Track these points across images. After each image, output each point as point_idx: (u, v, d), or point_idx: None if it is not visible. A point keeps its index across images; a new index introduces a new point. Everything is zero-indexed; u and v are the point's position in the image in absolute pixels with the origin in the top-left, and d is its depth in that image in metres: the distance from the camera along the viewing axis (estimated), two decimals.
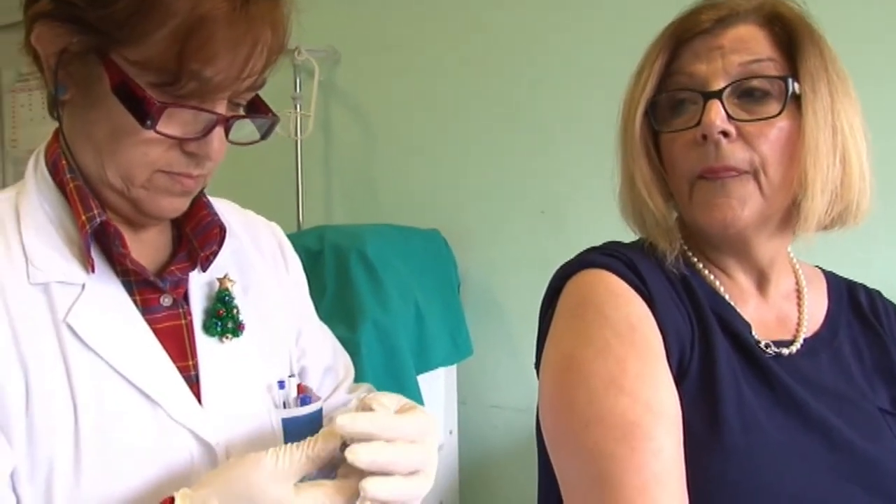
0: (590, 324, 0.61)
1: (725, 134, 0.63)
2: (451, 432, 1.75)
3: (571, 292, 0.66)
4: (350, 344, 0.92)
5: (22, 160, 2.31)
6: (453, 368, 1.75)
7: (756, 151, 0.64)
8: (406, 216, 1.84)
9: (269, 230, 0.82)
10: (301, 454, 0.52)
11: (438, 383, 1.70)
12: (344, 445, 0.52)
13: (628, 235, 0.74)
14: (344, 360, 0.85)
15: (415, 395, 1.56)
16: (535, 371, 0.69)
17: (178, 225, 0.72)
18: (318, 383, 0.80)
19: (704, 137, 0.63)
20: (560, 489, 0.60)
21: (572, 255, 0.67)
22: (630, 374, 0.58)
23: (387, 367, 1.49)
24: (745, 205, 0.64)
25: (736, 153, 0.63)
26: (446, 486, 1.77)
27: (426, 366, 1.62)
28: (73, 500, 0.57)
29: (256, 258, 0.76)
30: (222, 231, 0.70)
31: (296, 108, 1.83)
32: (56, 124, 0.63)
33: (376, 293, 1.54)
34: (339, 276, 1.53)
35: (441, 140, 1.87)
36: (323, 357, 0.82)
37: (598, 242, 0.72)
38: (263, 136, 0.65)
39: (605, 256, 0.66)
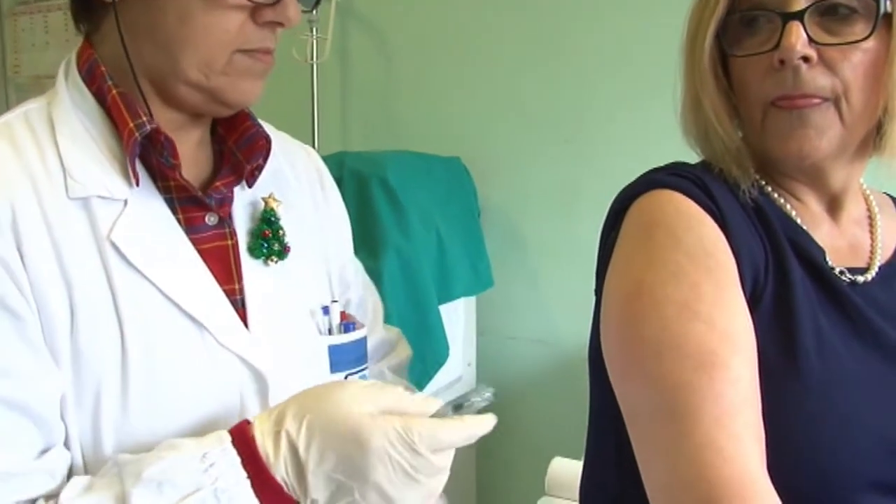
0: (660, 246, 0.59)
1: (806, 59, 0.60)
2: (469, 364, 1.75)
3: (638, 214, 0.63)
4: (372, 272, 0.93)
5: (25, 87, 2.22)
6: (472, 300, 1.74)
7: (838, 77, 0.61)
8: (426, 143, 1.78)
9: (306, 153, 0.80)
10: (390, 393, 0.51)
11: (458, 314, 1.69)
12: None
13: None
14: (373, 300, 0.85)
15: (437, 326, 1.55)
16: (595, 299, 0.67)
17: (219, 140, 0.69)
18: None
19: (782, 62, 0.60)
20: (626, 421, 0.59)
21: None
22: (705, 299, 0.56)
23: (409, 296, 1.48)
24: (824, 135, 0.62)
25: (816, 79, 0.60)
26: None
27: (448, 296, 1.61)
28: (121, 429, 0.55)
29: (293, 180, 0.75)
30: (268, 143, 0.67)
31: (312, 31, 1.77)
32: (80, 38, 0.61)
33: (398, 221, 1.53)
34: (359, 203, 1.51)
35: (463, 65, 1.81)
36: (356, 293, 0.81)
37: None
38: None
39: (675, 177, 0.64)
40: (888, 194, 0.78)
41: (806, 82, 0.60)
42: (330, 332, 0.72)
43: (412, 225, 1.54)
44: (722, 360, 0.54)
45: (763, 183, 0.68)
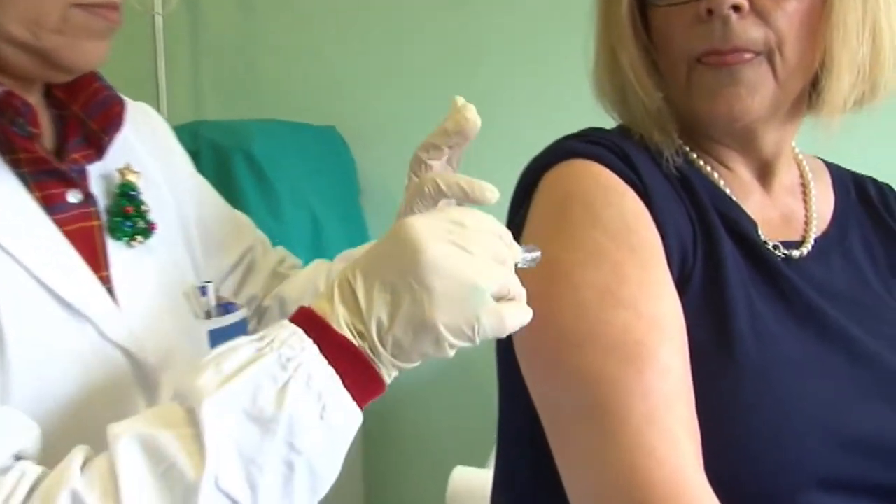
0: (577, 224, 0.58)
1: (736, 8, 0.59)
2: None
3: (551, 187, 0.62)
4: None
5: None
6: None
7: (771, 28, 0.60)
8: (295, 111, 1.72)
9: (143, 112, 0.78)
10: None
11: None
12: None
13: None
14: (259, 237, 0.89)
15: None
16: None
17: (57, 104, 0.66)
18: (265, 277, 0.84)
19: (710, 12, 0.59)
20: (544, 423, 0.58)
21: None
22: (629, 282, 0.56)
23: None
24: (756, 93, 0.61)
25: (748, 31, 0.60)
26: None
27: None
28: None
29: (140, 146, 0.73)
30: (123, 108, 0.66)
31: None
32: None
33: (265, 199, 1.48)
34: (220, 179, 1.42)
35: (338, 19, 1.74)
36: (253, 245, 0.85)
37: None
38: None
39: (590, 144, 0.62)
40: (821, 159, 0.78)
41: (737, 34, 0.59)
42: (209, 315, 0.71)
43: (282, 204, 1.50)
44: (650, 350, 0.54)
45: (687, 149, 0.67)
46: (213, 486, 0.45)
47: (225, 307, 0.73)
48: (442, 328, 0.48)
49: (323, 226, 1.59)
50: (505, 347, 0.64)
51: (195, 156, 1.41)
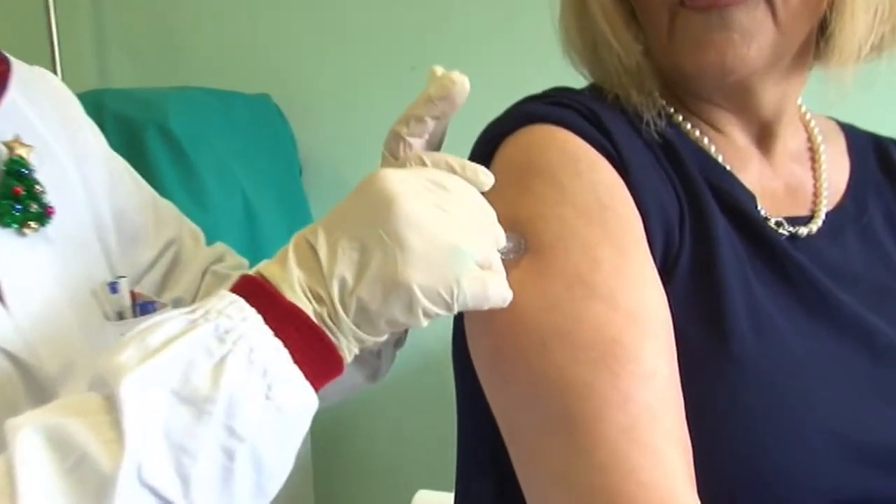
0: (540, 199, 0.58)
1: None
2: None
3: (509, 158, 0.62)
4: None
5: None
6: None
7: None
8: (221, 77, 1.71)
9: (41, 77, 0.77)
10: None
11: None
12: None
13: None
14: (188, 228, 0.89)
15: None
16: None
17: None
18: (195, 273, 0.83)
19: None
20: (504, 438, 0.57)
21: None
22: (603, 268, 0.55)
23: None
24: (753, 40, 0.61)
25: None
26: None
27: None
28: None
29: (36, 117, 0.72)
30: (8, 69, 0.66)
31: None
32: None
33: (185, 183, 1.47)
34: (129, 160, 1.40)
35: None
36: (178, 229, 0.85)
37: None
38: None
39: (556, 107, 0.62)
40: (835, 120, 0.78)
41: None
42: (121, 316, 0.71)
43: (206, 189, 1.49)
44: (628, 349, 0.53)
45: (672, 111, 0.67)
46: (135, 479, 0.43)
47: (142, 307, 0.72)
48: (416, 289, 0.48)
49: (257, 213, 1.58)
50: (461, 349, 0.63)
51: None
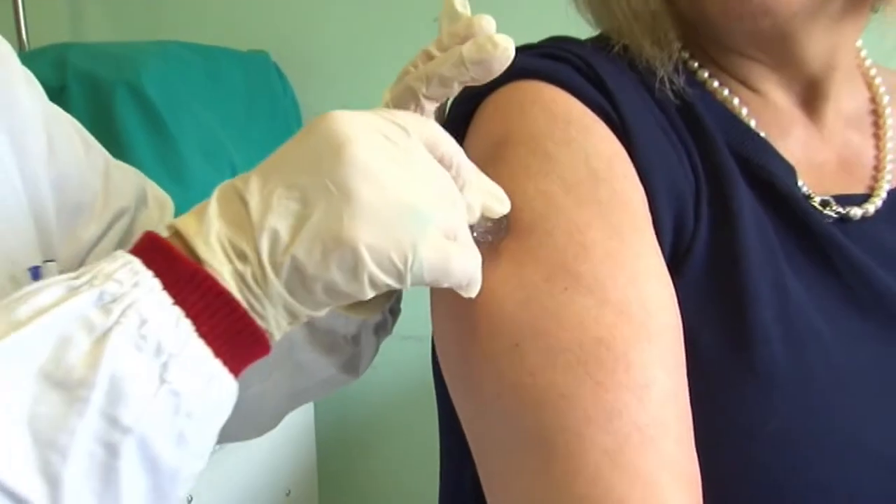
0: (519, 171, 0.59)
1: None
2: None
3: (488, 121, 0.63)
4: None
5: None
6: None
7: None
8: (208, 30, 1.73)
9: None
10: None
11: None
12: None
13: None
14: (154, 193, 0.89)
15: None
16: None
17: None
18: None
19: None
20: (475, 458, 0.58)
21: None
22: (593, 254, 0.55)
23: None
24: None
25: None
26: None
27: None
28: None
29: None
30: None
31: None
32: None
33: (163, 156, 1.47)
34: (95, 127, 1.35)
35: None
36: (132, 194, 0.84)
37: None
38: None
39: (546, 59, 0.63)
40: None
41: None
42: None
43: (188, 161, 1.49)
44: (618, 353, 0.53)
45: (696, 66, 0.68)
46: None
47: None
48: (363, 249, 0.47)
49: None
50: (434, 355, 0.64)
51: (61, 92, 1.45)
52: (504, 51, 0.55)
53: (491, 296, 0.55)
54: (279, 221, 0.47)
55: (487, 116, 0.62)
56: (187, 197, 1.41)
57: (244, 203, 0.47)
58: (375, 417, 1.80)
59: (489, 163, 0.59)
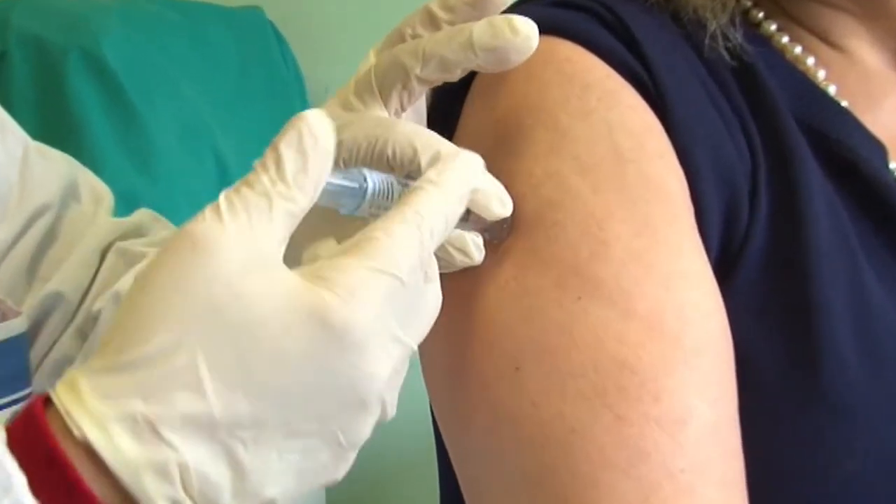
0: (526, 149, 0.60)
1: None
2: None
3: (489, 87, 0.65)
4: None
5: None
6: None
7: None
8: None
9: None
10: (275, 205, 0.50)
11: None
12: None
13: None
14: (87, 180, 0.91)
15: None
16: None
17: None
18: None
19: None
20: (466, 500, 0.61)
21: None
22: (615, 254, 0.57)
23: None
24: None
25: None
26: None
27: None
28: None
29: None
30: None
31: None
32: None
33: (126, 138, 1.49)
34: (41, 103, 1.46)
35: None
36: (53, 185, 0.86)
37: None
38: None
39: (557, 8, 0.64)
40: None
41: None
42: None
43: (159, 147, 1.51)
44: (646, 379, 0.54)
45: (760, 16, 0.68)
46: None
47: None
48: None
49: (234, 178, 1.57)
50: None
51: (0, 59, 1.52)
52: (526, 39, 0.56)
53: (486, 306, 0.57)
54: (273, 481, 0.49)
55: (486, 85, 0.63)
56: (156, 191, 1.45)
57: (234, 458, 0.48)
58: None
59: (489, 144, 0.61)
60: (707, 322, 0.57)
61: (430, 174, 0.52)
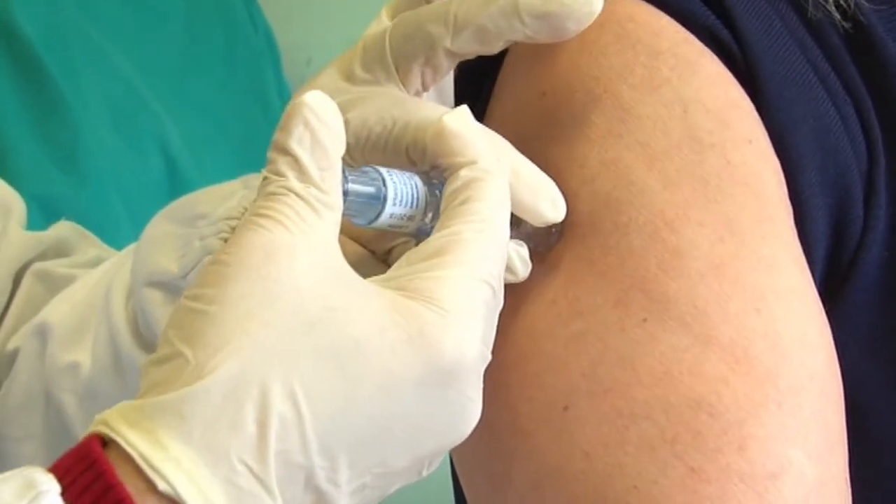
0: (578, 129, 0.62)
1: None
2: None
3: (533, 55, 0.66)
4: None
5: None
6: None
7: None
8: None
9: None
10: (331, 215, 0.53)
11: None
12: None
13: None
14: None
15: None
16: None
17: None
18: None
19: None
20: None
21: None
22: (692, 263, 0.58)
23: None
24: None
25: None
26: None
27: None
28: None
29: None
30: None
31: None
32: None
33: (44, 125, 1.55)
34: None
35: None
36: None
37: None
38: None
39: None
40: None
41: None
42: None
43: (87, 135, 1.57)
44: (732, 422, 0.55)
45: None
46: None
47: None
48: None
49: (188, 178, 1.63)
50: None
51: None
52: (586, 3, 0.57)
53: (528, 330, 0.58)
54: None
55: (527, 53, 0.64)
56: (84, 195, 1.50)
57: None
58: None
59: (531, 126, 0.62)
60: (809, 355, 0.57)
61: (485, 162, 0.54)
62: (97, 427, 0.49)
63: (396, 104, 0.58)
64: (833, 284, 0.61)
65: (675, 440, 0.54)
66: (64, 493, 0.47)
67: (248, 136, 1.75)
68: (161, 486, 0.46)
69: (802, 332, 0.58)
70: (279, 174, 0.52)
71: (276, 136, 0.52)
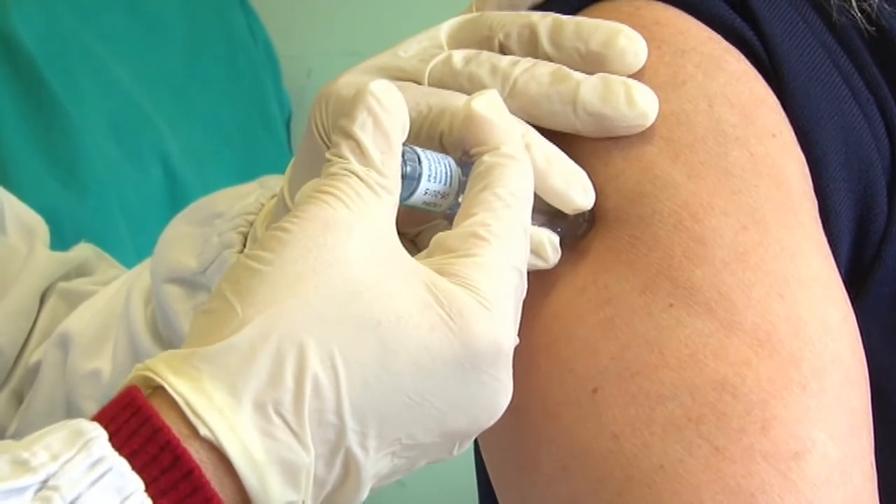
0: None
1: None
2: None
3: None
4: None
5: None
6: None
7: None
8: None
9: None
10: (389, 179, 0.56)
11: None
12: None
13: None
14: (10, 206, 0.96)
15: None
16: None
17: None
18: None
19: None
20: None
21: None
22: (716, 252, 0.59)
23: None
24: None
25: None
26: None
27: None
28: None
29: None
30: None
31: None
32: None
33: (45, 138, 1.55)
34: None
35: None
36: None
37: None
38: None
39: None
40: None
41: None
42: None
43: (87, 148, 1.56)
44: (755, 402, 0.56)
45: None
46: None
47: None
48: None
49: (188, 190, 1.63)
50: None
51: None
52: (641, 116, 0.59)
53: (557, 316, 0.59)
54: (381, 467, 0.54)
55: None
56: (84, 207, 1.49)
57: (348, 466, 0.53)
58: None
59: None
60: (831, 339, 0.58)
61: (508, 148, 0.56)
62: (142, 372, 0.51)
63: (433, 93, 0.60)
64: (857, 277, 0.62)
65: (700, 421, 0.55)
66: (111, 439, 0.49)
67: (248, 147, 1.75)
68: (203, 431, 0.49)
69: (825, 317, 0.59)
70: (341, 157, 0.55)
71: (341, 121, 0.56)
